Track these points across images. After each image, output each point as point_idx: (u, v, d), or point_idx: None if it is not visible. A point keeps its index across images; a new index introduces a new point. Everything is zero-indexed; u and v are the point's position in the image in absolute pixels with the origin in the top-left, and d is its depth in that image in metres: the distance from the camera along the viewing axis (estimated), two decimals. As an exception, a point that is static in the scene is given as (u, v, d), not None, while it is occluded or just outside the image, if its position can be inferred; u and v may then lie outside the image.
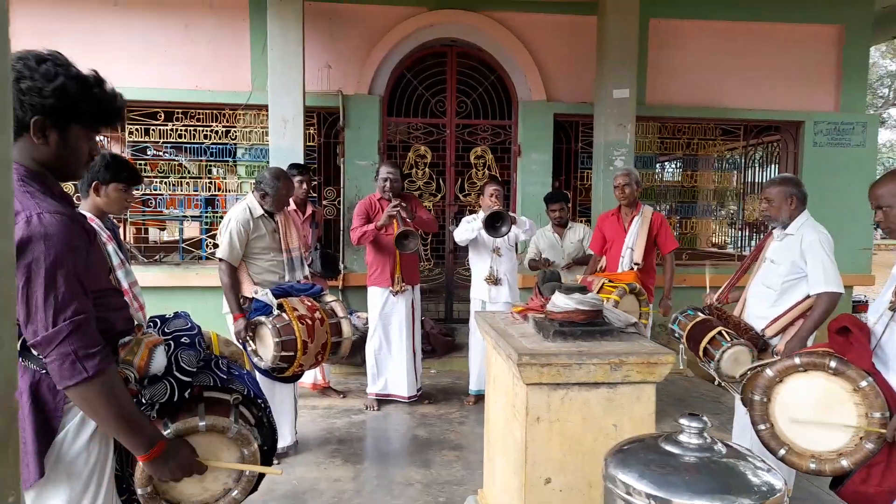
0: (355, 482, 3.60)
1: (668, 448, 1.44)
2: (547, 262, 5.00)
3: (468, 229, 4.79)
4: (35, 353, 1.48)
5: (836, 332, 2.33)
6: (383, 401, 4.85)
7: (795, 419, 2.29)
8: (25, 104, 1.46)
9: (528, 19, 6.36)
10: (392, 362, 4.82)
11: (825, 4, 6.63)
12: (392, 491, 3.50)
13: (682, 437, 1.44)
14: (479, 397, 4.86)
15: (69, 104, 1.51)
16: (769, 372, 2.34)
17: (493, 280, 4.84)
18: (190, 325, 1.97)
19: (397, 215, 4.56)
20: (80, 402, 1.46)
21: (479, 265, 4.97)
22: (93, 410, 1.46)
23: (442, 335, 6.20)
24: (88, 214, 2.63)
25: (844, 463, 2.22)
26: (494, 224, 4.59)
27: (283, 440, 3.83)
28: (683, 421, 1.45)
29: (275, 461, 3.71)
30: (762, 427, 2.35)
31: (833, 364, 2.20)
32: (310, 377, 4.94)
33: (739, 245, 7.51)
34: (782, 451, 2.32)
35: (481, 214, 4.84)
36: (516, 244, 5.01)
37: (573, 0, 6.26)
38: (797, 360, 2.29)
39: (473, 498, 3.00)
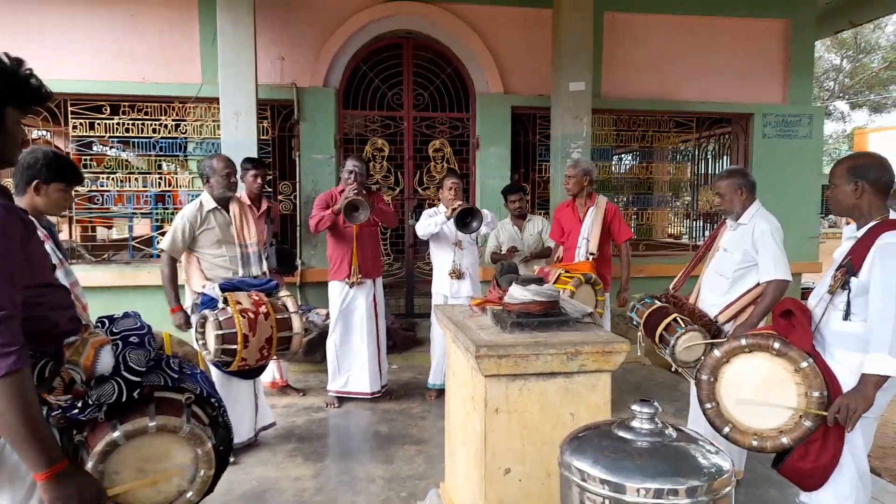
0: (316, 480, 3.56)
1: (622, 434, 1.46)
2: (513, 248, 5.03)
3: (431, 223, 4.75)
4: None
5: (780, 316, 2.42)
6: (344, 398, 4.80)
7: (740, 400, 2.37)
8: None
9: (485, 12, 6.37)
10: (354, 358, 4.75)
11: (772, 0, 6.82)
12: (354, 487, 3.48)
13: (635, 423, 1.46)
14: (441, 391, 4.86)
15: (3, 88, 1.48)
16: (716, 352, 2.42)
17: (457, 274, 4.83)
18: (139, 324, 1.92)
19: (351, 197, 4.49)
20: None
21: (441, 259, 4.95)
22: None
23: (403, 330, 6.18)
24: (25, 213, 2.53)
25: (785, 440, 2.32)
26: (465, 220, 4.58)
27: (240, 436, 3.80)
28: (635, 407, 1.47)
29: (231, 458, 3.68)
30: (708, 406, 2.42)
31: (776, 345, 2.30)
32: (268, 376, 4.86)
33: (694, 235, 7.69)
34: (726, 429, 2.40)
35: (441, 208, 4.83)
36: (477, 237, 5.01)
37: (529, -7, 6.30)
38: (743, 342, 2.38)
39: (435, 491, 3.00)
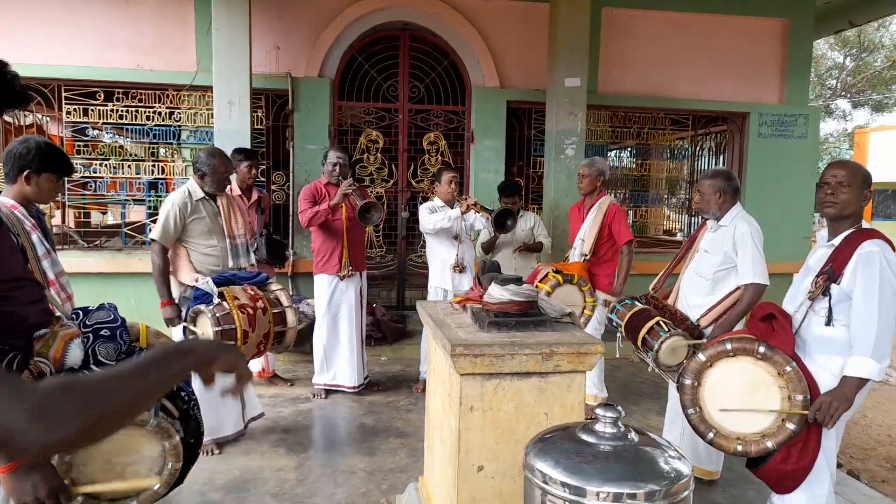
0: (299, 471, 3.58)
1: (585, 437, 1.47)
2: (493, 242, 5.03)
3: (443, 218, 4.65)
4: None
5: (760, 319, 2.43)
6: (331, 390, 4.82)
7: (724, 408, 2.38)
8: None
9: (482, 5, 6.34)
10: (340, 352, 4.76)
11: (770, -1, 6.80)
12: (336, 479, 3.50)
13: (598, 427, 1.47)
14: (428, 384, 4.87)
15: None
16: (701, 356, 2.43)
17: (461, 268, 4.80)
18: (113, 317, 1.92)
19: (352, 194, 4.49)
20: None
21: (441, 253, 4.86)
22: None
23: (393, 322, 6.19)
24: (10, 202, 2.53)
25: (769, 444, 2.35)
26: (503, 220, 4.60)
27: (225, 429, 3.81)
28: (599, 411, 1.48)
29: (215, 451, 3.69)
30: (691, 411, 2.44)
31: (762, 349, 2.32)
32: (256, 366, 4.87)
33: (689, 233, 7.69)
34: (710, 435, 2.42)
35: (438, 202, 4.81)
36: (470, 231, 5.00)
37: (526, -13, 6.26)
38: (728, 346, 2.39)
39: (414, 485, 3.02)
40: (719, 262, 3.20)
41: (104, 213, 7.61)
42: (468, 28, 6.33)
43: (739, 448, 2.39)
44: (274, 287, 3.65)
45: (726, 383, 2.42)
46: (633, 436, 1.46)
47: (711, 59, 6.86)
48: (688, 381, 2.45)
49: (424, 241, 6.65)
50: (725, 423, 2.42)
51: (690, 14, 6.74)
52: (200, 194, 3.72)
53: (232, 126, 5.28)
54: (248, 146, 5.15)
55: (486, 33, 6.39)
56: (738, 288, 3.15)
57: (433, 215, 4.74)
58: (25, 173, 2.57)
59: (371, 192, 6.32)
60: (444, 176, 4.83)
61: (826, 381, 2.37)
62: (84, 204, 6.18)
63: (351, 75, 6.36)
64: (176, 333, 3.62)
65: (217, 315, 3.23)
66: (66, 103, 5.76)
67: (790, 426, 2.33)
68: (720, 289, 3.22)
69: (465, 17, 6.31)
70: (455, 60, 6.48)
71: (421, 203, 6.52)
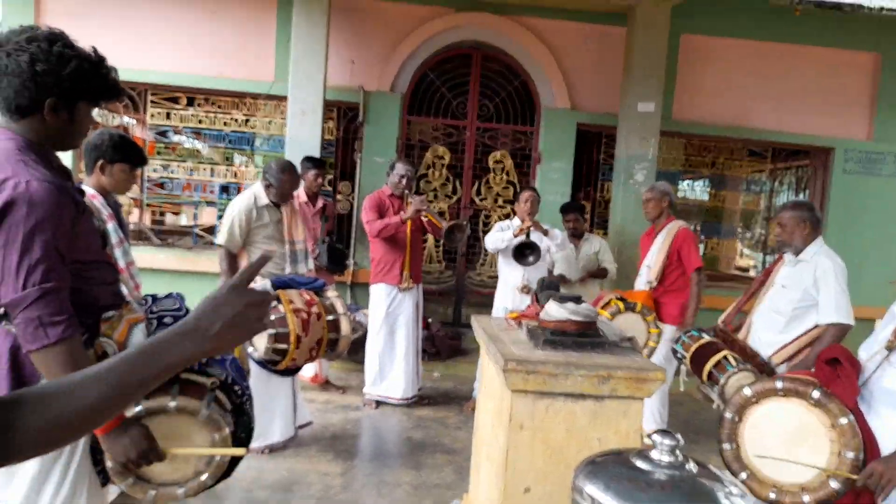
0: (344, 478, 3.58)
1: (639, 463, 1.38)
2: (561, 277, 4.89)
3: (499, 238, 4.64)
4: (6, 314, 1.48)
5: (825, 363, 2.22)
6: (381, 401, 4.81)
7: (763, 454, 2.17)
8: (40, 85, 1.50)
9: (556, 26, 6.32)
10: (395, 364, 4.75)
11: (862, 31, 6.47)
12: (381, 490, 3.47)
13: (654, 454, 1.38)
14: (480, 403, 4.80)
15: (82, 84, 1.56)
16: (747, 391, 2.24)
17: (527, 290, 4.67)
18: (179, 306, 1.97)
19: (425, 210, 4.54)
20: (40, 366, 1.47)
21: (509, 273, 4.77)
22: (51, 376, 1.46)
23: (448, 338, 6.16)
24: (91, 191, 2.65)
25: (806, 499, 2.10)
26: (524, 252, 4.52)
27: (273, 435, 3.77)
28: (656, 437, 1.40)
29: (264, 450, 3.72)
30: (727, 446, 2.25)
31: (816, 395, 2.09)
32: (309, 370, 4.92)
33: (762, 269, 7.36)
34: (743, 475, 2.20)
35: (516, 221, 4.76)
36: (548, 254, 4.89)
37: (602, 10, 6.19)
38: (778, 384, 2.18)
39: (457, 503, 2.96)
40: (798, 299, 3.02)
41: (176, 214, 7.94)
42: (541, 49, 6.31)
43: (773, 496, 2.16)
44: (330, 294, 3.67)
45: (771, 424, 2.20)
46: (691, 466, 1.37)
47: (794, 91, 6.59)
48: (728, 415, 2.26)
49: (485, 259, 6.65)
50: (762, 466, 2.22)
51: (773, 43, 6.50)
52: (265, 201, 3.79)
53: (303, 135, 5.43)
54: (318, 155, 5.27)
55: (558, 55, 6.35)
56: (815, 326, 2.96)
57: (495, 234, 4.71)
58: (100, 163, 2.70)
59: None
60: (523, 195, 4.75)
61: (890, 446, 2.07)
62: (160, 203, 6.46)
63: (422, 91, 6.44)
64: None
65: (272, 318, 3.28)
66: (151, 106, 6.06)
67: (834, 485, 2.07)
68: (796, 326, 3.03)
69: (539, 38, 6.29)
70: (526, 80, 6.46)
71: (484, 222, 6.54)
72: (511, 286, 4.73)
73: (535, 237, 4.59)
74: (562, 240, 4.73)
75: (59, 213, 1.48)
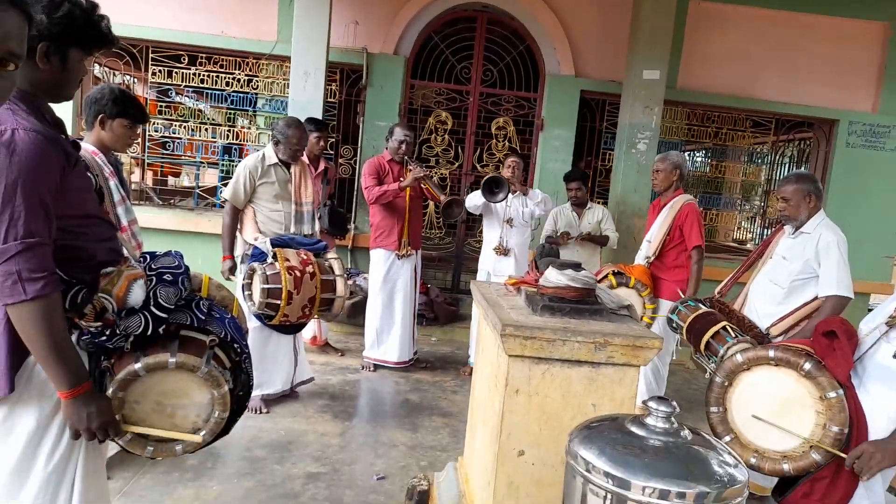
0: (341, 438, 3.64)
1: (634, 429, 1.41)
2: (566, 234, 4.94)
3: (477, 195, 4.79)
4: None
5: (822, 335, 2.22)
6: (379, 365, 4.86)
7: (756, 416, 2.19)
8: (32, 30, 1.46)
9: (564, -10, 6.19)
10: (393, 328, 4.81)
11: (872, 0, 6.36)
12: (377, 450, 3.53)
13: (649, 420, 1.40)
14: (477, 368, 4.86)
15: (73, 30, 1.53)
16: (738, 357, 2.24)
17: (502, 251, 4.79)
18: (178, 263, 1.97)
19: (423, 179, 4.54)
20: (16, 321, 1.44)
21: (489, 235, 4.95)
22: (25, 333, 1.45)
23: (446, 304, 6.19)
24: (92, 148, 2.63)
25: (786, 466, 2.12)
26: (492, 188, 4.63)
27: (273, 386, 3.91)
28: (651, 404, 1.42)
29: (263, 409, 3.79)
30: (714, 409, 2.26)
31: (807, 366, 2.08)
32: (308, 332, 4.96)
33: (760, 242, 7.36)
34: (727, 438, 2.22)
35: None
36: (531, 219, 4.94)
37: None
38: (770, 353, 2.17)
39: (453, 465, 3.00)
40: (798, 271, 3.01)
41: (177, 176, 7.90)
42: (547, 13, 6.20)
43: (753, 461, 2.17)
44: (330, 256, 3.70)
45: (760, 391, 2.21)
46: (685, 433, 1.39)
47: (802, 61, 6.49)
48: (718, 379, 2.27)
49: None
50: (747, 431, 2.22)
51: (783, 12, 6.37)
52: (274, 160, 3.85)
53: (306, 96, 5.36)
54: (320, 117, 5.21)
55: (565, 20, 6.24)
56: (814, 298, 2.97)
57: (473, 193, 4.87)
58: (100, 118, 2.67)
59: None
60: (507, 161, 4.95)
61: (879, 424, 2.08)
62: (162, 163, 6.42)
63: (426, 54, 6.35)
64: (237, 286, 3.76)
65: (267, 273, 3.32)
66: (152, 64, 5.97)
67: (815, 456, 2.08)
68: (795, 298, 3.03)
69: (545, 2, 6.18)
70: (531, 45, 6.37)
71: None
72: (491, 246, 4.86)
73: (517, 201, 4.81)
74: (542, 199, 4.83)
75: (46, 163, 1.44)
